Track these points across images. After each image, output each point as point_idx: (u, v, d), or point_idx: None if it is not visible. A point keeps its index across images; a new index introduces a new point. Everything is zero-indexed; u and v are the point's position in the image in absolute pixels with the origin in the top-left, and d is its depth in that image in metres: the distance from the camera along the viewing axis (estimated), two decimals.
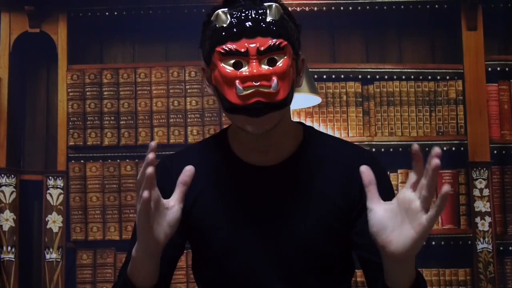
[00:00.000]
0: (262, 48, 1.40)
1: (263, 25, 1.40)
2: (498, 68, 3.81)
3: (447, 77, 3.79)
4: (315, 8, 3.72)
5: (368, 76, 3.80)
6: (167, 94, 3.74)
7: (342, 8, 3.78)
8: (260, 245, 1.48)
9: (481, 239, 3.62)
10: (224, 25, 1.41)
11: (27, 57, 3.90)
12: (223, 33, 1.41)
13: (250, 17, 1.41)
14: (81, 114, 3.73)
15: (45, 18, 3.77)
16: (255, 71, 1.39)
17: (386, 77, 3.79)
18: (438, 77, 3.79)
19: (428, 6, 3.81)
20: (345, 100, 3.75)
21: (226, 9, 1.43)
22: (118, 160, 3.71)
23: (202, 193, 1.51)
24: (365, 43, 3.97)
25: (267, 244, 1.48)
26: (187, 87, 3.74)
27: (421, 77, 3.80)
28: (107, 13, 3.81)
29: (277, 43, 1.41)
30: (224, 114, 3.69)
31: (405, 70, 3.81)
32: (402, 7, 3.80)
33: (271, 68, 1.40)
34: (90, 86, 3.75)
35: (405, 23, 3.93)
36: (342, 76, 3.78)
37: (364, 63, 3.90)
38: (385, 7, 3.80)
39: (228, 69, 1.41)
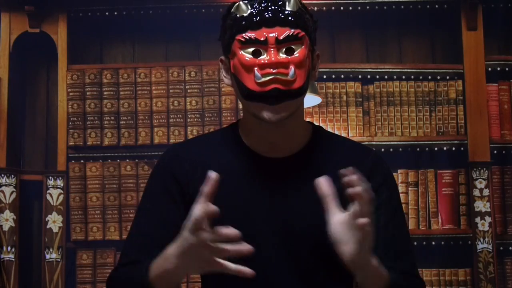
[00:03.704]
0: (280, 37, 1.45)
1: (282, 16, 1.46)
2: (498, 68, 3.80)
3: (447, 77, 3.79)
4: (315, 8, 3.72)
5: (368, 76, 3.80)
6: (167, 94, 3.74)
7: (342, 8, 3.79)
8: (269, 237, 1.49)
9: (481, 239, 3.62)
10: (245, 15, 1.47)
11: (27, 57, 3.90)
12: (243, 22, 1.47)
13: (270, 8, 1.46)
14: (81, 114, 3.73)
15: (45, 18, 3.77)
16: (273, 59, 1.44)
17: (386, 77, 3.79)
18: (438, 77, 3.79)
19: (428, 6, 3.81)
20: (345, 100, 3.75)
21: (246, 0, 1.48)
22: (118, 160, 3.71)
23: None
24: (365, 43, 3.97)
25: (276, 236, 1.49)
26: (187, 87, 3.74)
27: (421, 77, 3.79)
28: (107, 13, 3.81)
29: (295, 33, 1.47)
30: (224, 114, 3.71)
31: (405, 70, 3.81)
32: (402, 7, 3.80)
33: (288, 57, 1.46)
34: (90, 86, 3.75)
35: (405, 23, 3.93)
36: (342, 76, 3.78)
37: (364, 63, 3.90)
38: (385, 7, 3.80)
39: (247, 56, 1.46)
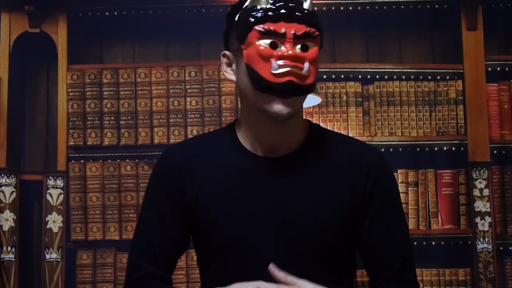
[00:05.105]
0: (298, 33, 1.47)
1: (299, 14, 1.48)
2: (498, 68, 3.80)
3: (447, 77, 3.79)
4: (315, 8, 3.72)
5: (368, 76, 3.80)
6: (167, 94, 3.74)
7: (342, 8, 3.79)
8: (267, 237, 1.50)
9: (481, 239, 3.62)
10: (265, 7, 1.48)
11: (27, 57, 3.90)
12: (263, 14, 1.48)
13: (288, 3, 1.48)
14: (81, 114, 3.73)
15: (45, 18, 3.77)
16: (291, 52, 1.46)
17: (386, 77, 3.79)
18: (438, 77, 3.79)
19: (428, 6, 3.81)
20: (345, 100, 3.75)
21: None
22: (118, 160, 3.71)
23: (208, 182, 1.53)
24: (365, 43, 3.97)
25: (276, 235, 1.49)
26: (187, 87, 3.74)
27: (421, 77, 3.79)
28: (107, 13, 3.81)
29: (311, 31, 1.49)
30: (224, 114, 3.71)
31: (405, 70, 3.81)
32: (402, 7, 3.80)
33: (304, 52, 1.48)
34: (90, 86, 3.75)
35: (405, 23, 3.93)
36: (342, 76, 3.78)
37: (364, 63, 3.90)
38: (385, 7, 3.80)
39: (265, 47, 1.47)
